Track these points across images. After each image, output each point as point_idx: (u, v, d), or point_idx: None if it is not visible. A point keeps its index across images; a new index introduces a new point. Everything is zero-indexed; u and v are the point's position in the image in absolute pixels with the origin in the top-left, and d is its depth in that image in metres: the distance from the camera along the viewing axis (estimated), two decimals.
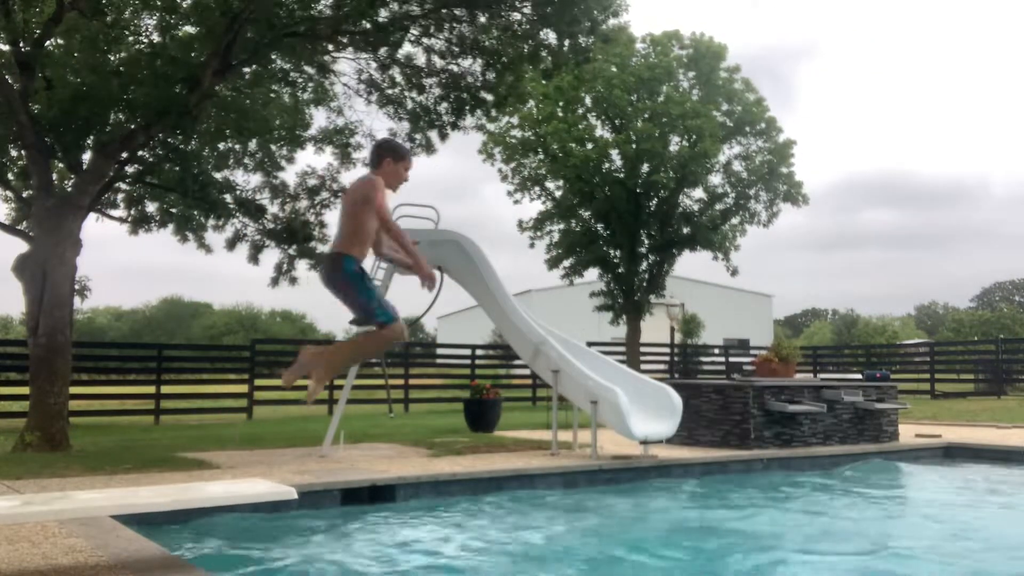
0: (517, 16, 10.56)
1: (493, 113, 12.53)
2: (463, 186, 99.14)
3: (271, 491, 5.02)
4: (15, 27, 9.73)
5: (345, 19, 10.15)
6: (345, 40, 10.92)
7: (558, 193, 23.52)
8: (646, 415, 8.72)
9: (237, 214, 12.88)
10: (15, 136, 10.68)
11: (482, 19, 10.64)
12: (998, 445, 10.29)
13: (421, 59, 11.46)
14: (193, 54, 10.02)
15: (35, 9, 10.37)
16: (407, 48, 11.33)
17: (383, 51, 11.29)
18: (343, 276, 4.53)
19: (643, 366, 21.22)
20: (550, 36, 10.65)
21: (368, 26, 10.27)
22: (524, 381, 21.65)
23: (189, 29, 10.72)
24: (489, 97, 11.66)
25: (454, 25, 10.78)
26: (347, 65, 12.33)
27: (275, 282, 12.98)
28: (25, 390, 10.98)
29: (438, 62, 11.37)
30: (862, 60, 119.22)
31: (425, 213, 9.91)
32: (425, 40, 11.05)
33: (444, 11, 10.48)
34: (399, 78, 11.81)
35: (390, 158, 4.67)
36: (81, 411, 15.30)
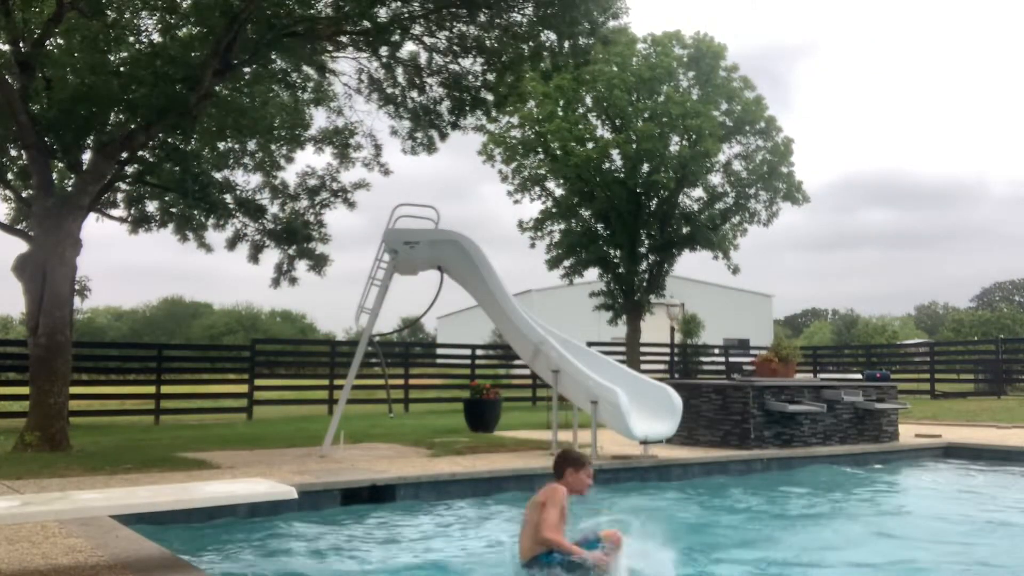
0: (517, 17, 10.56)
1: (493, 113, 12.53)
2: (460, 186, 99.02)
3: (271, 491, 5.02)
4: (15, 27, 9.72)
5: (345, 19, 10.16)
6: (345, 40, 10.92)
7: (559, 192, 23.54)
8: (646, 415, 8.72)
9: (237, 214, 12.88)
10: (15, 136, 10.68)
11: (482, 18, 10.63)
12: (998, 445, 10.29)
13: (422, 58, 11.47)
14: (193, 54, 10.02)
15: (34, 9, 10.37)
16: (408, 47, 11.34)
17: (384, 50, 11.29)
18: (549, 566, 4.84)
19: (643, 366, 21.22)
20: (550, 37, 10.65)
21: (368, 25, 10.27)
22: (524, 381, 21.64)
23: (189, 29, 10.71)
24: (489, 97, 11.66)
25: (454, 24, 10.78)
26: (347, 64, 12.36)
27: (276, 283, 12.98)
28: (25, 390, 10.98)
29: (438, 61, 11.37)
30: (860, 60, 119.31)
31: (425, 213, 9.93)
32: (427, 39, 11.04)
33: (445, 11, 10.47)
34: (400, 77, 11.81)
35: (571, 468, 5.04)
36: (81, 411, 15.30)
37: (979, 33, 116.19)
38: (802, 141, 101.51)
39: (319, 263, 12.97)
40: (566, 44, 10.62)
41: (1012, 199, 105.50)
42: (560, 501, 4.81)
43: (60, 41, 10.79)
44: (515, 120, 22.79)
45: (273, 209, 13.14)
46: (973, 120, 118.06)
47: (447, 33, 10.95)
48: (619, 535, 4.99)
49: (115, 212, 13.03)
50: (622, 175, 22.39)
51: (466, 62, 11.39)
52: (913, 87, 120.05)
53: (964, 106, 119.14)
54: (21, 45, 9.94)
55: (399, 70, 11.74)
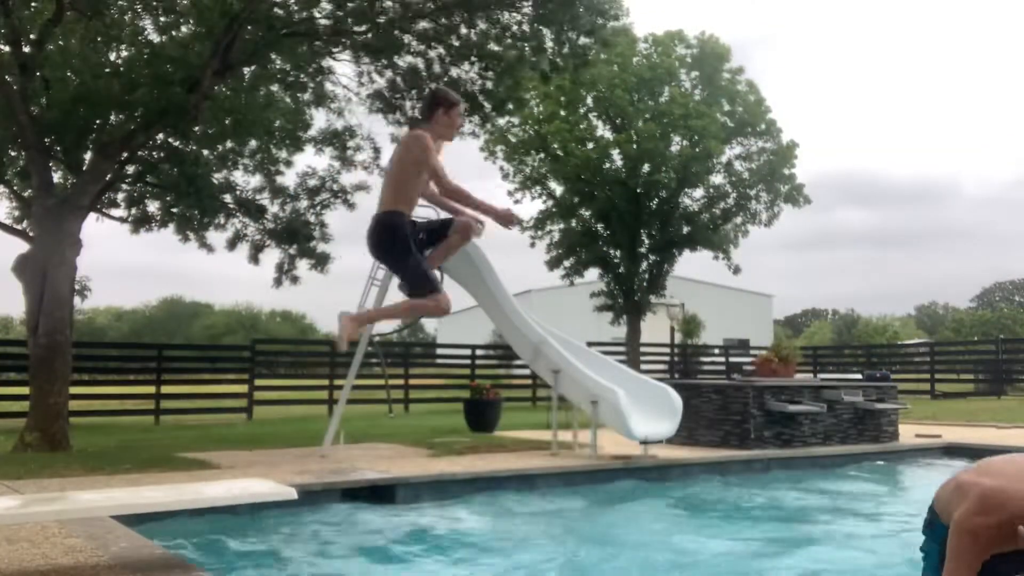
0: (516, 16, 10.57)
1: (491, 116, 12.54)
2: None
3: (271, 491, 5.02)
4: (15, 28, 9.72)
5: (344, 20, 10.16)
6: (347, 42, 10.92)
7: (559, 192, 23.55)
8: (646, 415, 8.71)
9: (237, 214, 12.89)
10: (15, 136, 10.68)
11: (481, 25, 10.64)
12: (998, 445, 10.28)
13: (421, 64, 11.47)
14: (193, 54, 10.03)
15: (31, 5, 10.36)
16: (408, 54, 11.35)
17: (382, 56, 11.30)
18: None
19: (643, 366, 21.22)
20: (549, 39, 10.65)
21: (365, 28, 10.28)
22: (524, 381, 21.64)
23: (187, 29, 10.72)
24: (487, 103, 11.67)
25: (452, 31, 10.78)
26: (347, 68, 12.40)
27: (278, 283, 12.99)
28: (25, 390, 10.98)
29: (436, 69, 11.38)
30: (854, 52, 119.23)
31: (425, 213, 9.92)
32: (421, 45, 11.04)
33: (443, 21, 10.48)
34: (399, 81, 11.82)
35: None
36: (81, 411, 15.28)
37: (981, 22, 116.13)
38: (800, 138, 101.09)
39: (321, 261, 12.99)
40: (566, 45, 10.63)
41: (1013, 198, 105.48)
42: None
43: (60, 42, 10.80)
44: (516, 120, 22.81)
45: (273, 209, 13.17)
46: (973, 119, 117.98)
47: (447, 36, 10.95)
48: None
49: (115, 212, 13.06)
50: (623, 175, 22.40)
51: (464, 66, 11.40)
52: (906, 79, 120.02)
53: (963, 105, 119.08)
54: (21, 45, 9.94)
55: (398, 75, 11.75)
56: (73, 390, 12.56)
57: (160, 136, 11.35)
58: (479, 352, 21.48)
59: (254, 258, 13.03)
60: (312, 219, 13.12)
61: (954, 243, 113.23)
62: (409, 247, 4.34)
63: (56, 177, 11.27)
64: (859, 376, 13.23)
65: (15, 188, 12.28)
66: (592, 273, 23.73)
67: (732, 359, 25.91)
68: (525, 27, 10.59)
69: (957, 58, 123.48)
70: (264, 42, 9.74)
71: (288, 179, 13.43)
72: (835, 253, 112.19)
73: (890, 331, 56.82)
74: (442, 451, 9.08)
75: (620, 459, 8.50)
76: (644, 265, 23.15)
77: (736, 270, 23.49)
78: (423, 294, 4.48)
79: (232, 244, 13.03)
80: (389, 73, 11.65)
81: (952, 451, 10.42)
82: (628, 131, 22.28)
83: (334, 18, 10.14)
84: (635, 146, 21.92)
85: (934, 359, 24.27)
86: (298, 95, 12.63)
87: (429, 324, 57.65)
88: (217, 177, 13.06)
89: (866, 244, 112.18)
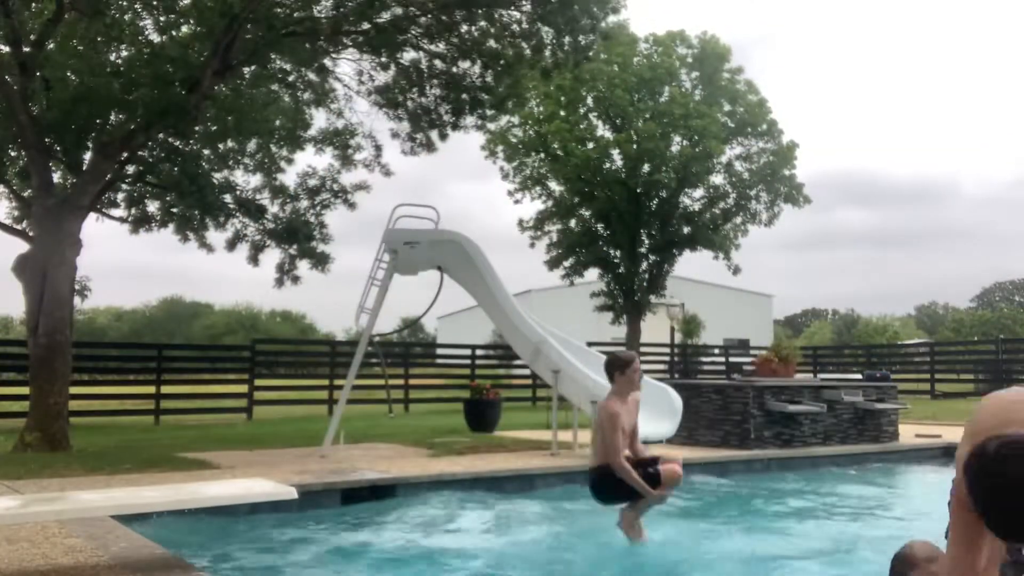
0: (516, 15, 10.57)
1: (491, 114, 12.52)
2: (427, 185, 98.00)
3: (271, 491, 5.02)
4: (15, 28, 9.72)
5: (345, 19, 10.16)
6: (348, 41, 10.92)
7: (559, 191, 23.55)
8: (646, 415, 8.69)
9: (237, 214, 12.87)
10: (15, 136, 10.68)
11: (482, 22, 10.64)
12: None
13: (423, 62, 11.47)
14: (193, 54, 10.02)
15: (32, 5, 10.36)
16: (409, 53, 11.34)
17: (383, 52, 11.29)
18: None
19: (643, 366, 21.16)
20: (550, 35, 10.65)
21: (367, 26, 10.27)
22: (524, 381, 21.64)
23: (188, 29, 10.72)
24: (487, 99, 11.66)
25: (453, 28, 10.78)
26: (348, 66, 12.39)
27: (279, 283, 12.97)
28: (25, 390, 10.98)
29: (438, 65, 11.37)
30: (854, 52, 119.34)
31: (425, 213, 9.94)
32: (425, 42, 11.05)
33: (444, 17, 10.47)
34: (400, 79, 11.81)
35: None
36: (81, 411, 15.27)
37: (984, 22, 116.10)
38: (802, 137, 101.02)
39: (321, 261, 12.98)
40: (566, 41, 10.61)
41: (1014, 198, 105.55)
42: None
43: (59, 41, 10.79)
44: (516, 119, 22.81)
45: (273, 209, 13.15)
46: (974, 120, 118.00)
47: (447, 34, 10.94)
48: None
49: (115, 212, 13.04)
50: (623, 175, 22.40)
51: (465, 64, 11.39)
52: (900, 80, 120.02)
53: (946, 108, 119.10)
54: (21, 45, 9.94)
55: (399, 72, 11.74)
56: (73, 390, 12.54)
57: (160, 136, 11.33)
58: (479, 352, 21.47)
59: (254, 259, 13.01)
60: (312, 219, 13.10)
61: (954, 243, 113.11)
62: (620, 490, 5.33)
63: (56, 177, 11.26)
64: (859, 376, 13.22)
65: (15, 188, 12.27)
66: (592, 273, 23.73)
67: (732, 359, 25.89)
68: (525, 25, 10.59)
69: (956, 58, 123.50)
70: (264, 42, 9.73)
71: (288, 179, 13.42)
72: (835, 253, 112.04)
73: (890, 331, 56.74)
74: (442, 451, 9.08)
75: None
76: (644, 265, 23.15)
77: (736, 270, 23.49)
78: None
79: (232, 244, 13.01)
80: (392, 69, 11.64)
81: (952, 451, 10.39)
82: (628, 131, 22.27)
83: (334, 17, 10.13)
84: (635, 146, 21.91)
85: (934, 359, 24.27)
86: (298, 94, 12.63)
87: (429, 324, 57.68)
88: (217, 177, 13.04)
89: (866, 244, 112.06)
